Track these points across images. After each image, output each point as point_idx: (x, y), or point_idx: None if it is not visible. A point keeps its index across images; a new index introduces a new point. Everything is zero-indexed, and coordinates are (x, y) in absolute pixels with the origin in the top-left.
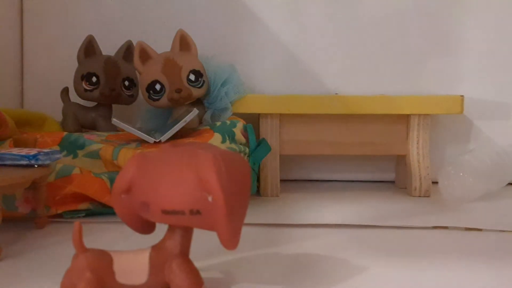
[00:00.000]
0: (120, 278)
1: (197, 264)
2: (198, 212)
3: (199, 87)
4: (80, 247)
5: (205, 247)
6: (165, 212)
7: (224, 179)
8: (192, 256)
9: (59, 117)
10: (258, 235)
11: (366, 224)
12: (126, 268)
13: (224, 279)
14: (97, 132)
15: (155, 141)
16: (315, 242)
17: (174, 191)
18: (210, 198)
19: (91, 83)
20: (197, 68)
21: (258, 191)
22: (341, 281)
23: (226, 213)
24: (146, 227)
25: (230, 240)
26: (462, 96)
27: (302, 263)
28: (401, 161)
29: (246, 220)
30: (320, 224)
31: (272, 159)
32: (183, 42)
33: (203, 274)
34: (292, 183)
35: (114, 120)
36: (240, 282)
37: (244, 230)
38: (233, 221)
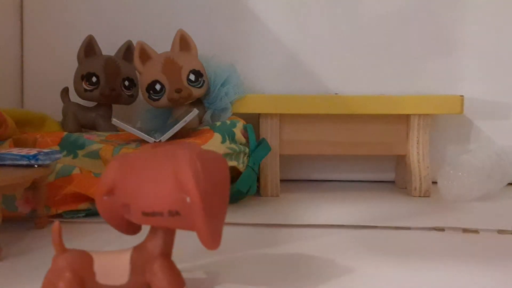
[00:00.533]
0: (101, 278)
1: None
2: (177, 213)
3: (199, 87)
4: (60, 247)
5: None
6: (145, 214)
7: (200, 180)
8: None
9: (59, 117)
10: (258, 235)
11: (366, 224)
12: (106, 269)
13: (224, 279)
14: (97, 132)
15: (155, 141)
16: (314, 242)
17: (153, 192)
18: (188, 199)
19: (91, 83)
20: (197, 68)
21: (258, 191)
22: (342, 282)
23: (203, 213)
24: (131, 228)
25: (210, 240)
26: (462, 96)
27: (301, 263)
28: (401, 161)
29: (246, 220)
30: (320, 224)
31: (272, 159)
32: (183, 42)
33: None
34: (292, 183)
35: (114, 120)
36: (238, 282)
37: (244, 230)
38: (212, 221)
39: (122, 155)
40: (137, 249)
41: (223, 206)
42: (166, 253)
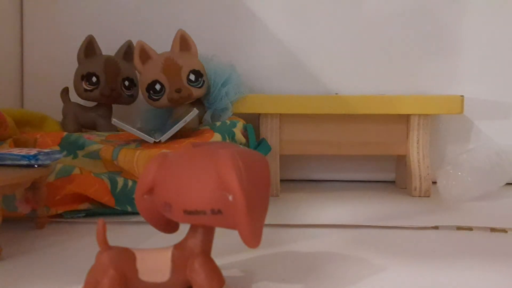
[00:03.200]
0: (143, 275)
1: None
2: (219, 212)
3: (199, 87)
4: (104, 244)
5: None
6: (187, 212)
7: (243, 178)
8: None
9: (59, 117)
10: None
11: (366, 224)
12: (149, 266)
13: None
14: (97, 132)
15: (155, 141)
16: (314, 242)
17: (195, 191)
18: (230, 198)
19: (91, 83)
20: (197, 68)
21: None
22: (343, 281)
23: (246, 211)
24: (170, 226)
25: (252, 238)
26: (462, 96)
27: (301, 263)
28: (401, 161)
29: None
30: (320, 224)
31: (272, 159)
32: (183, 42)
33: (224, 273)
34: (292, 183)
35: (114, 120)
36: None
37: None
38: (253, 220)
39: (161, 154)
40: (178, 247)
41: (264, 204)
42: (206, 251)
